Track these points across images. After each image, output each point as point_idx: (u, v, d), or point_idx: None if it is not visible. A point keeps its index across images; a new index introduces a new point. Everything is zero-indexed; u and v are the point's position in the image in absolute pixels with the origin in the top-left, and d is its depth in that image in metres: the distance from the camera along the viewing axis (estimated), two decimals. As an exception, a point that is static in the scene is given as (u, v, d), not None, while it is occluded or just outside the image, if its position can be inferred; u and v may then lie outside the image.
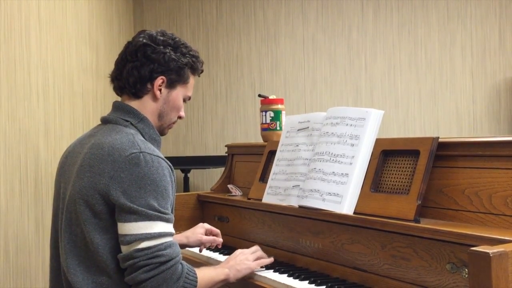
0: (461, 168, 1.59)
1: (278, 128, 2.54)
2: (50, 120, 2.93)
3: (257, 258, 1.92)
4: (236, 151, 2.76)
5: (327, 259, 1.87)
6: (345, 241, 1.81)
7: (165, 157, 1.65)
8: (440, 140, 1.63)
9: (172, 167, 1.63)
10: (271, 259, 1.98)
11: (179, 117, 1.81)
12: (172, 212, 1.60)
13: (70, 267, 1.56)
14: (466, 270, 1.37)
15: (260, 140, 2.68)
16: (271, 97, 2.60)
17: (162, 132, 1.78)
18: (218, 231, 2.17)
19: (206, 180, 4.67)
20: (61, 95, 3.07)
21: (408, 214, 1.59)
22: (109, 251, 1.54)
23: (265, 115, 2.56)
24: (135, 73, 1.68)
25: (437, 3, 4.81)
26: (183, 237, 2.10)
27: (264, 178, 2.29)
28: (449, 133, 4.77)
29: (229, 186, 2.59)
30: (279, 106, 2.56)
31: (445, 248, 1.45)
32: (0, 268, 2.43)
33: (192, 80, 1.78)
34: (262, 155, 2.36)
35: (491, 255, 1.14)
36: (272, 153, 2.29)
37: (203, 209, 2.65)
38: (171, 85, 1.72)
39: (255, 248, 1.97)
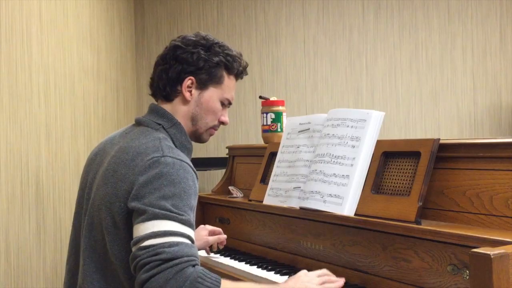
0: (462, 170, 1.59)
1: (279, 129, 2.54)
2: (51, 122, 2.93)
3: (324, 283, 1.63)
4: (237, 153, 2.76)
5: (328, 261, 1.87)
6: (346, 243, 1.81)
7: None
8: (441, 141, 1.63)
9: (197, 175, 1.55)
10: (342, 281, 1.67)
11: (222, 123, 1.72)
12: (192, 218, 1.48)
13: (86, 274, 1.52)
14: (467, 271, 1.37)
15: (261, 142, 2.68)
16: (272, 98, 2.60)
17: (200, 138, 1.72)
18: (220, 229, 2.16)
19: (207, 182, 4.67)
20: (62, 97, 3.08)
21: (409, 216, 1.59)
22: (126, 264, 1.47)
23: (266, 116, 2.56)
24: (164, 76, 1.64)
25: (438, 4, 4.81)
26: None
27: (265, 179, 2.29)
28: (450, 134, 4.76)
29: (230, 187, 2.59)
30: (280, 108, 2.56)
31: (446, 249, 1.45)
32: (1, 270, 2.43)
33: (228, 81, 1.69)
34: (263, 157, 2.36)
35: (492, 256, 1.15)
36: (273, 155, 2.29)
37: (204, 210, 2.65)
38: (202, 85, 1.65)
39: (323, 271, 1.68)
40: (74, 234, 1.65)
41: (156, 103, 1.71)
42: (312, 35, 4.80)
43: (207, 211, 2.63)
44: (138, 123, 1.67)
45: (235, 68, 1.70)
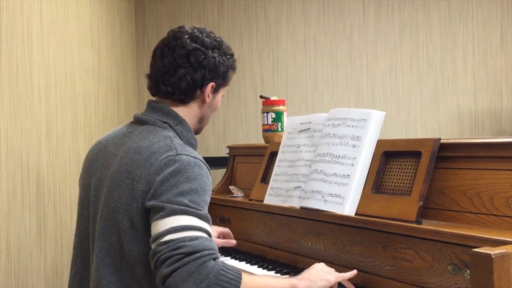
0: (462, 169, 1.59)
1: (279, 129, 2.54)
2: (52, 121, 2.94)
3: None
4: (237, 152, 2.76)
5: (329, 260, 1.87)
6: (347, 243, 1.81)
7: None
8: (441, 141, 1.63)
9: (210, 172, 1.57)
10: (355, 271, 1.70)
11: None
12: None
13: (101, 277, 1.51)
14: (468, 271, 1.37)
15: (261, 141, 2.68)
16: (272, 98, 2.60)
17: (199, 131, 1.77)
18: (228, 231, 2.16)
19: (207, 181, 4.66)
20: (63, 96, 3.08)
21: (410, 215, 1.59)
22: (146, 264, 1.48)
23: (267, 116, 2.56)
24: (188, 79, 1.63)
25: (439, 3, 4.81)
26: None
27: (265, 179, 2.29)
28: (451, 134, 4.76)
29: (231, 187, 2.59)
30: (281, 107, 2.56)
31: (446, 249, 1.45)
32: (1, 269, 2.43)
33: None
34: (264, 156, 2.36)
35: (493, 256, 1.14)
36: (274, 154, 2.29)
37: (204, 210, 2.65)
38: (216, 89, 1.70)
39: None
40: (80, 237, 1.64)
41: (153, 100, 1.70)
42: (312, 35, 4.80)
43: (208, 211, 2.62)
44: (142, 121, 1.65)
45: (236, 66, 1.76)
